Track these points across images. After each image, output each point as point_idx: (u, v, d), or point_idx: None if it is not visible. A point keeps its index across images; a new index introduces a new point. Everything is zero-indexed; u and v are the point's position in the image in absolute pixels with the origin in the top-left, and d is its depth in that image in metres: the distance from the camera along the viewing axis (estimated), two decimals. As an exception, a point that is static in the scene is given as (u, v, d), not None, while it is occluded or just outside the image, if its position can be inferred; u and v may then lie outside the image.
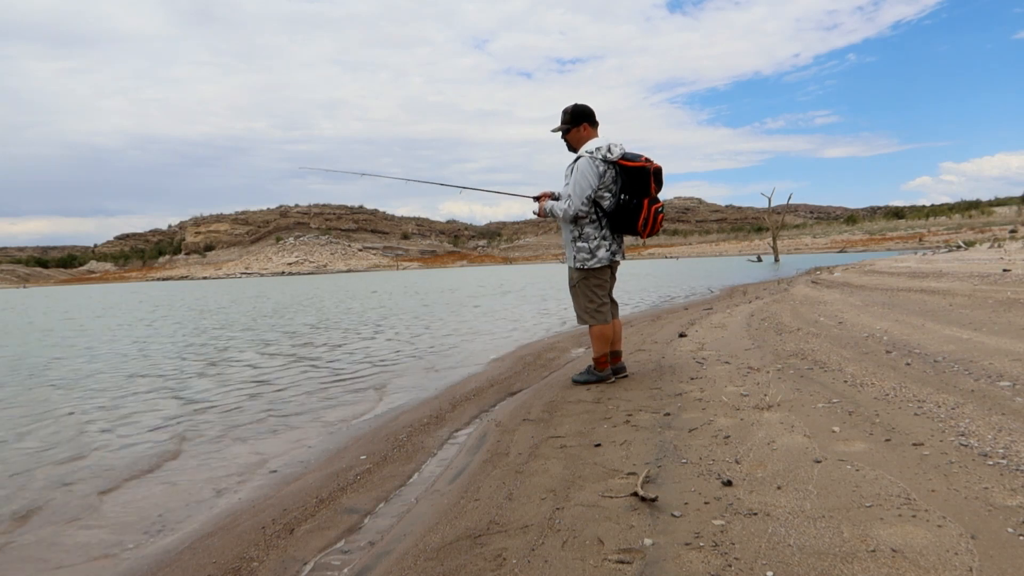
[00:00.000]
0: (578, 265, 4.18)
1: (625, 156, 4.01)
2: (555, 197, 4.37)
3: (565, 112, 4.20)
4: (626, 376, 4.43)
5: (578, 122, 4.16)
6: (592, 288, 4.21)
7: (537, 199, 4.43)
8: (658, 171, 4.07)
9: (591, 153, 4.00)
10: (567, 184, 4.13)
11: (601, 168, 3.99)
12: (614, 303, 4.41)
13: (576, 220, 4.13)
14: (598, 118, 4.22)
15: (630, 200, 4.04)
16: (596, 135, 4.18)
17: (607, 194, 4.06)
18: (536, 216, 4.44)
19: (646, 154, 4.08)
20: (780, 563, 1.74)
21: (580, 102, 4.21)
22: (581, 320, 4.31)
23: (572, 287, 4.30)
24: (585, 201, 4.02)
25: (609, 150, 3.99)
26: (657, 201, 4.08)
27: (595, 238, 4.12)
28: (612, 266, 4.29)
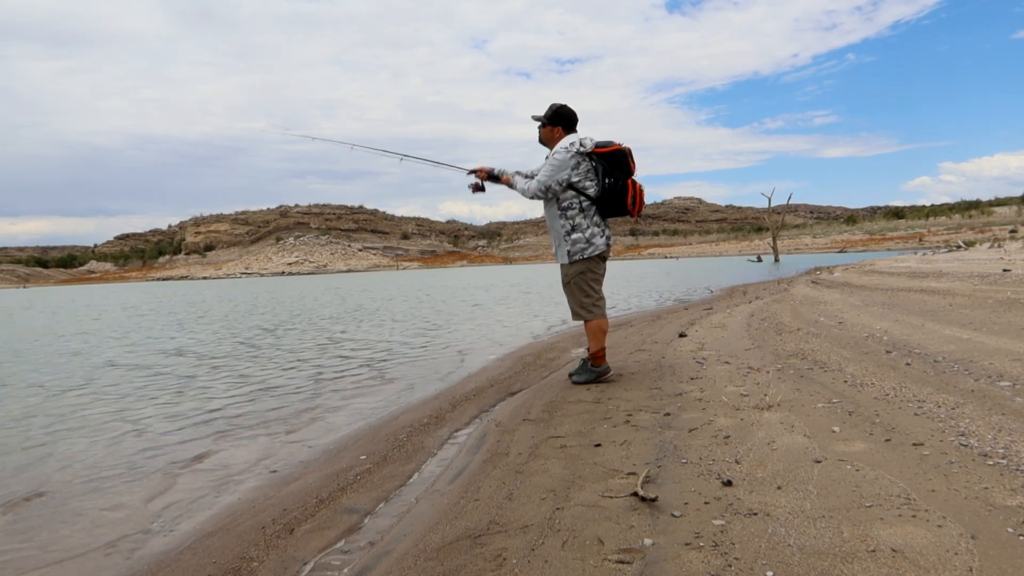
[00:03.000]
0: (575, 258, 4.23)
1: (598, 144, 4.18)
2: (492, 173, 4.50)
3: (550, 108, 4.32)
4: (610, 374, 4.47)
5: (556, 123, 4.29)
6: (588, 282, 4.27)
7: (473, 172, 4.55)
8: (630, 151, 4.25)
9: (566, 148, 4.15)
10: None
11: (575, 160, 4.12)
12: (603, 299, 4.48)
13: (565, 213, 4.22)
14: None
15: (615, 183, 4.18)
16: None
17: (589, 183, 4.17)
18: (472, 188, 4.55)
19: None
20: (780, 563, 1.74)
21: (569, 105, 4.31)
22: (577, 316, 4.35)
23: (566, 284, 4.34)
24: (550, 186, 4.14)
25: (581, 143, 4.15)
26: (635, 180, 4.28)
27: (588, 227, 4.22)
28: (604, 256, 4.35)
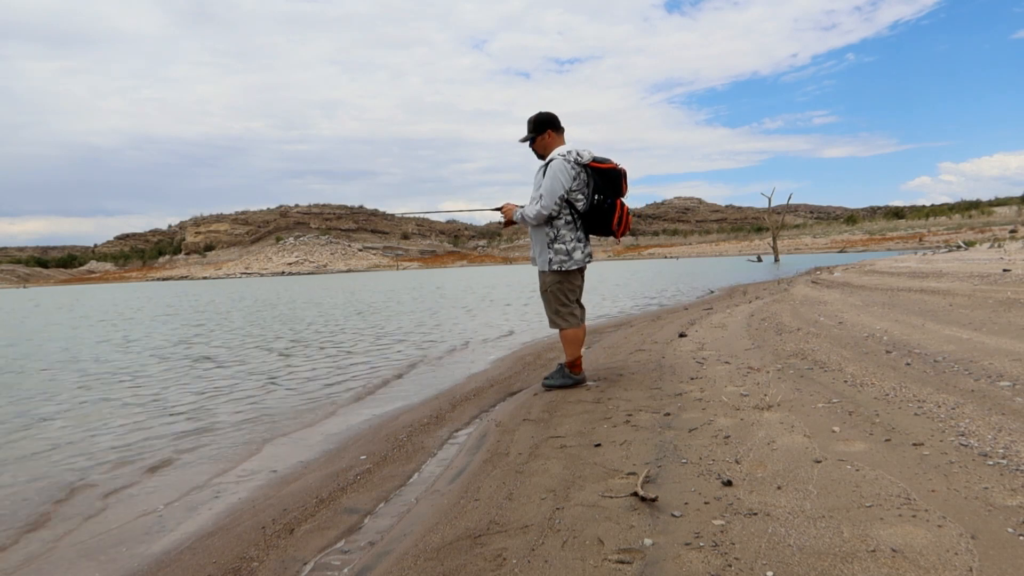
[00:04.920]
0: (555, 267, 4.15)
1: (595, 159, 4.09)
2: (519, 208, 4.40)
3: (529, 122, 4.25)
4: (585, 384, 4.34)
5: (542, 130, 4.21)
6: (565, 292, 4.21)
7: (499, 209, 4.43)
8: (625, 173, 4.19)
9: (563, 156, 4.05)
10: (538, 187, 4.13)
11: (574, 171, 4.04)
12: (581, 308, 4.35)
13: (551, 222, 4.13)
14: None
15: (604, 200, 4.11)
16: (563, 141, 4.23)
17: (580, 196, 4.10)
18: (503, 225, 4.47)
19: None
20: (780, 563, 1.74)
21: (544, 111, 4.25)
22: (553, 324, 4.28)
23: (543, 292, 4.27)
24: (557, 201, 4.04)
25: (579, 154, 4.06)
26: (624, 203, 4.21)
27: (571, 240, 4.14)
28: (582, 269, 4.29)
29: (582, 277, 4.32)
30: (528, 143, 4.28)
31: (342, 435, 4.03)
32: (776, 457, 2.55)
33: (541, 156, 4.27)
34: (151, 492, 3.19)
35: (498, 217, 4.48)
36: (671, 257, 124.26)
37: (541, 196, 4.06)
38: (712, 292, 15.99)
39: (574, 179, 4.04)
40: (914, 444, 2.57)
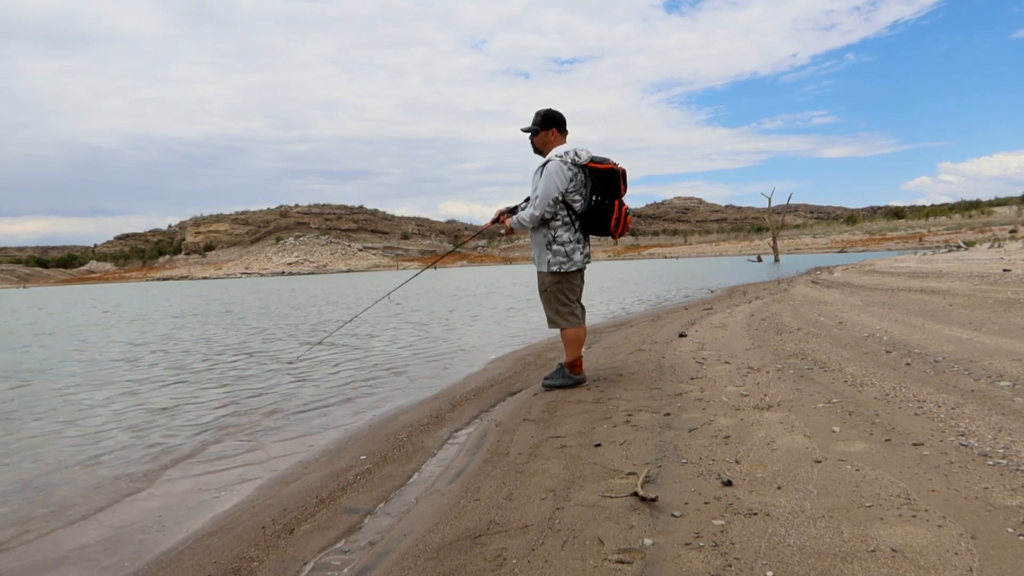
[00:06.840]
0: (554, 269, 4.15)
1: (593, 159, 4.07)
2: (512, 212, 4.41)
3: (537, 115, 4.24)
4: (585, 384, 4.34)
5: (547, 126, 4.19)
6: (565, 292, 4.21)
7: (495, 221, 4.45)
8: (624, 173, 4.16)
9: (560, 157, 4.04)
10: (535, 188, 4.13)
11: (570, 172, 4.02)
12: (582, 308, 4.35)
13: (548, 223, 4.13)
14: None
15: (602, 201, 4.09)
16: (564, 142, 4.22)
17: (578, 197, 4.08)
18: (503, 233, 4.49)
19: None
20: (780, 563, 1.74)
21: (555, 109, 4.25)
22: (553, 324, 4.28)
23: (543, 292, 4.27)
24: (551, 204, 4.04)
25: (576, 154, 4.04)
26: (624, 203, 4.19)
27: (570, 242, 4.14)
28: (582, 270, 4.29)
29: (582, 277, 4.33)
30: (530, 135, 4.26)
31: (342, 435, 4.03)
32: (776, 457, 2.55)
33: (537, 151, 4.27)
34: (151, 492, 3.19)
35: (501, 229, 4.49)
36: (671, 257, 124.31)
37: (537, 198, 4.07)
38: (712, 292, 15.99)
39: (570, 180, 4.03)
40: (914, 444, 2.57)
